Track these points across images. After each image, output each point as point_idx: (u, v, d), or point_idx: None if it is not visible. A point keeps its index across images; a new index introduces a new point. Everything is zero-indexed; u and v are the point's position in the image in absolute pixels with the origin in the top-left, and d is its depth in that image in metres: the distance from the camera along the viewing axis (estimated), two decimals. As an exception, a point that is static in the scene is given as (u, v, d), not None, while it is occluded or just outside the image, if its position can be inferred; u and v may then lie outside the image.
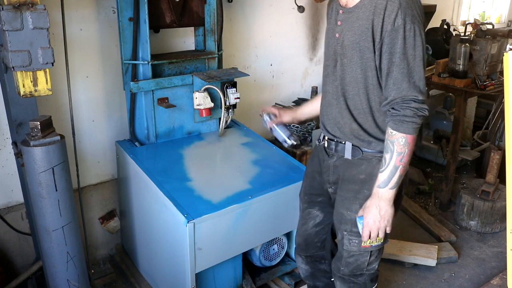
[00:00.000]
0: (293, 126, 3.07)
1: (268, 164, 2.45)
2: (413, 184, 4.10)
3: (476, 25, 3.87)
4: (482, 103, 4.96)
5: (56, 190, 1.84)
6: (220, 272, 2.30)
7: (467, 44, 3.38)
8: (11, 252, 2.52)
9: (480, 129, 4.22)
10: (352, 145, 1.74)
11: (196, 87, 2.51)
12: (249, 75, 2.71)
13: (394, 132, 1.55)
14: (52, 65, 1.70)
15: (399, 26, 1.48)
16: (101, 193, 2.76)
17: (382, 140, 1.65)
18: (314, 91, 3.52)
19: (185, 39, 2.81)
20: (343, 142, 1.76)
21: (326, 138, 1.84)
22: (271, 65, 3.34)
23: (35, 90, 1.71)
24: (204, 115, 2.52)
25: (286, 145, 2.17)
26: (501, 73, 3.50)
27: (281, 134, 2.14)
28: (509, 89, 1.87)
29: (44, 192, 1.83)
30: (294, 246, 2.60)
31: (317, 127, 3.12)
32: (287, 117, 2.15)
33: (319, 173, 1.93)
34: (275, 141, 3.25)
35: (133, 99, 2.43)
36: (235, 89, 2.60)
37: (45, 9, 1.63)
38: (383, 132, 1.65)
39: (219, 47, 2.68)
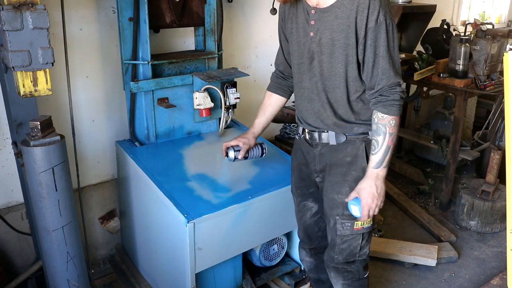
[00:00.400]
0: (293, 126, 3.08)
1: (268, 164, 2.45)
2: (413, 184, 4.10)
3: (476, 25, 3.86)
4: (482, 103, 4.96)
5: (56, 190, 1.84)
6: (220, 272, 2.30)
7: (467, 44, 3.38)
8: (11, 252, 2.52)
9: (480, 129, 4.22)
10: (335, 132, 1.85)
11: (196, 87, 2.51)
12: (249, 75, 2.70)
13: (385, 115, 1.70)
14: (52, 65, 1.70)
15: (381, 22, 1.63)
16: (101, 193, 2.76)
17: (362, 124, 1.82)
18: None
19: (185, 39, 2.81)
20: (326, 131, 1.86)
21: (307, 130, 1.93)
22: (271, 65, 3.34)
23: (35, 90, 1.71)
24: (204, 115, 2.52)
25: (264, 156, 2.23)
26: (501, 73, 3.50)
27: (257, 154, 2.18)
28: (509, 89, 1.87)
29: (44, 192, 1.83)
30: (294, 246, 2.61)
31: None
32: (252, 140, 2.13)
33: (305, 164, 2.01)
34: (275, 141, 3.26)
35: (133, 99, 2.43)
36: (235, 89, 2.60)
37: (45, 9, 1.63)
38: (361, 118, 1.81)
39: (219, 47, 2.68)
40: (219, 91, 2.52)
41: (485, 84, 3.41)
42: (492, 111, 3.91)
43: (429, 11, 3.93)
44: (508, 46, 3.62)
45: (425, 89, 3.86)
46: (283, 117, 3.14)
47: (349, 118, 1.82)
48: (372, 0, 1.61)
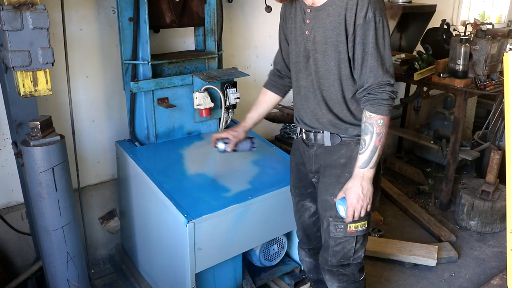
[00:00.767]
0: (293, 126, 3.07)
1: (268, 164, 2.45)
2: (413, 184, 4.10)
3: (476, 25, 3.86)
4: (482, 103, 4.96)
5: (56, 190, 1.84)
6: (220, 272, 2.30)
7: (467, 44, 3.38)
8: (11, 252, 2.52)
9: (480, 129, 4.21)
10: (330, 133, 1.84)
11: (196, 87, 2.51)
12: (249, 75, 2.70)
13: (373, 114, 1.66)
14: (52, 65, 1.70)
15: (370, 19, 1.61)
16: (101, 193, 2.76)
17: (357, 125, 1.78)
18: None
19: (185, 39, 2.81)
20: (321, 132, 1.86)
21: (304, 130, 1.93)
22: (271, 65, 3.32)
23: (35, 90, 1.71)
24: (204, 115, 2.52)
25: (254, 150, 2.22)
26: (501, 73, 3.50)
27: (246, 148, 2.17)
28: (509, 89, 1.87)
29: (44, 192, 1.83)
30: (294, 246, 2.61)
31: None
32: (242, 133, 2.13)
33: (303, 164, 2.01)
34: (275, 141, 3.25)
35: (133, 99, 2.43)
36: (235, 89, 2.60)
37: (45, 9, 1.63)
38: (357, 118, 1.79)
39: (219, 47, 2.68)
40: (219, 91, 2.52)
41: (485, 84, 3.41)
42: (492, 111, 3.91)
43: (429, 11, 3.94)
44: (508, 46, 3.62)
45: (425, 89, 3.86)
46: (283, 117, 3.13)
47: (345, 117, 1.80)
48: None
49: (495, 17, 5.85)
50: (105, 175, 2.74)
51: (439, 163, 4.14)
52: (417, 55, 3.87)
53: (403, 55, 3.99)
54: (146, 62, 2.35)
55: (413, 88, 4.27)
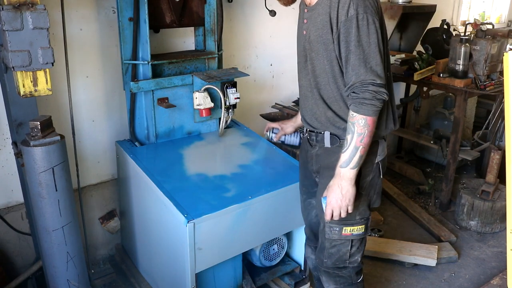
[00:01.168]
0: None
1: (268, 164, 2.45)
2: (413, 184, 4.11)
3: (476, 25, 3.87)
4: (482, 103, 4.97)
5: (56, 190, 1.85)
6: (220, 272, 2.30)
7: (467, 44, 3.38)
8: (11, 252, 2.52)
9: (480, 129, 4.22)
10: (330, 133, 1.83)
11: (196, 87, 2.51)
12: (249, 75, 2.70)
13: (355, 114, 1.63)
14: (52, 65, 1.71)
15: (352, 16, 1.58)
16: (101, 193, 2.76)
17: None
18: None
19: (185, 39, 2.81)
20: (322, 132, 1.85)
21: (308, 130, 1.94)
22: (271, 65, 3.35)
23: (35, 90, 1.71)
24: (204, 115, 2.52)
25: None
26: (501, 73, 3.50)
27: (293, 142, 2.30)
28: (509, 89, 1.87)
29: (44, 192, 1.83)
30: (294, 246, 2.62)
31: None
32: (289, 128, 2.26)
33: (307, 163, 2.02)
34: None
35: (133, 99, 2.43)
36: (235, 89, 2.60)
37: (45, 9, 1.63)
38: None
39: (219, 47, 2.68)
40: (219, 91, 2.52)
41: (485, 84, 3.41)
42: (492, 111, 3.91)
43: (429, 11, 3.94)
44: (508, 46, 3.62)
45: (425, 89, 3.86)
46: (283, 117, 3.13)
47: (344, 115, 1.77)
48: None
49: (495, 17, 5.85)
50: (105, 175, 2.74)
51: (439, 163, 4.14)
52: (417, 55, 3.88)
53: (403, 55, 4.00)
54: (146, 62, 2.35)
55: (413, 88, 4.27)
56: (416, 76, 3.59)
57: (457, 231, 3.41)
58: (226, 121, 2.63)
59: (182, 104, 2.53)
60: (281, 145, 2.42)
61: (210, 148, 2.55)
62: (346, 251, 1.88)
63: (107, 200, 2.80)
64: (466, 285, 2.86)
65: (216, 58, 2.62)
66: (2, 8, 1.57)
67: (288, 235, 2.56)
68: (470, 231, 3.42)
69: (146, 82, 2.35)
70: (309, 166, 1.99)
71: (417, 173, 4.18)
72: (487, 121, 3.97)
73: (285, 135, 2.28)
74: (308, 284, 2.59)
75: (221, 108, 2.57)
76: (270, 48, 3.28)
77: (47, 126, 1.84)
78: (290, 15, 3.31)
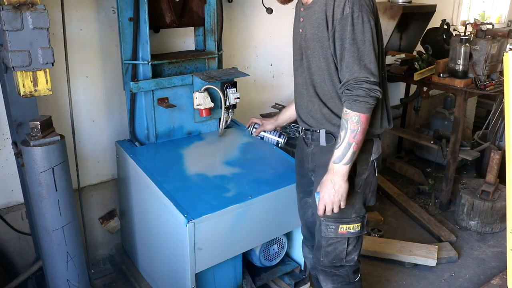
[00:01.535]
0: (293, 126, 3.07)
1: (268, 164, 2.45)
2: (413, 184, 4.11)
3: (476, 25, 3.87)
4: (482, 103, 4.97)
5: (56, 190, 1.84)
6: (220, 272, 2.30)
7: (467, 44, 3.38)
8: (11, 252, 2.52)
9: (480, 129, 4.22)
10: (326, 132, 1.83)
11: (196, 87, 2.51)
12: (249, 75, 2.70)
13: (348, 110, 1.64)
14: (52, 65, 1.70)
15: (347, 14, 1.60)
16: (101, 193, 2.76)
17: None
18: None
19: (185, 39, 2.81)
20: (318, 131, 1.86)
21: (303, 128, 1.95)
22: (271, 65, 3.35)
23: (35, 90, 1.71)
24: (204, 115, 2.52)
25: (280, 145, 2.36)
26: (501, 73, 3.50)
27: (271, 138, 2.34)
28: (509, 89, 1.87)
29: (44, 192, 1.83)
30: (294, 246, 2.61)
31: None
32: (269, 125, 2.30)
33: (303, 162, 2.03)
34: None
35: (133, 99, 2.43)
36: (235, 89, 2.60)
37: (45, 9, 1.63)
38: None
39: (219, 47, 2.68)
40: (219, 91, 2.52)
41: (485, 84, 3.41)
42: (492, 111, 3.92)
43: (429, 11, 3.94)
44: (508, 46, 3.62)
45: (425, 89, 3.86)
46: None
47: (339, 112, 1.76)
48: None
49: (495, 17, 5.85)
50: (105, 175, 2.74)
51: (439, 163, 4.14)
52: (417, 55, 3.88)
53: (403, 55, 4.00)
54: (146, 62, 2.35)
55: (413, 88, 4.27)
56: (416, 76, 3.59)
57: (457, 231, 3.41)
58: (226, 121, 2.63)
59: (182, 104, 2.53)
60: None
61: (210, 148, 2.55)
62: (343, 249, 1.89)
63: (107, 200, 2.80)
64: (466, 285, 2.86)
65: (216, 58, 2.62)
66: (2, 8, 1.57)
67: (288, 235, 2.56)
68: (470, 231, 3.43)
69: (146, 82, 2.35)
70: (305, 164, 1.99)
71: (417, 173, 4.18)
72: (487, 121, 3.97)
73: (264, 131, 2.31)
74: (308, 284, 2.59)
75: (221, 108, 2.57)
76: (270, 48, 3.28)
77: (47, 126, 1.84)
78: (290, 15, 3.31)
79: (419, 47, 4.16)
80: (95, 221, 2.77)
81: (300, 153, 2.05)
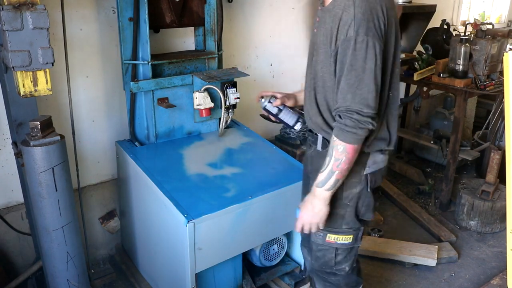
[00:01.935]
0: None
1: (268, 164, 2.45)
2: (413, 184, 4.10)
3: (476, 25, 3.87)
4: (482, 103, 4.96)
5: (56, 190, 1.84)
6: (220, 272, 2.30)
7: (467, 44, 3.38)
8: (11, 252, 2.52)
9: (480, 129, 4.22)
10: (323, 137, 1.77)
11: (196, 87, 2.51)
12: (249, 75, 2.70)
13: (335, 138, 1.58)
14: (52, 65, 1.70)
15: (350, 37, 1.48)
16: (101, 193, 2.76)
17: None
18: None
19: (185, 39, 2.81)
20: (316, 135, 1.81)
21: (308, 129, 1.90)
22: (271, 65, 3.35)
23: (35, 90, 1.71)
24: (204, 115, 2.52)
25: (293, 130, 2.13)
26: (501, 73, 3.50)
27: (291, 115, 2.00)
28: (509, 89, 1.87)
29: (44, 192, 1.83)
30: (294, 246, 2.61)
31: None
32: (291, 100, 2.04)
33: (306, 164, 2.00)
34: (275, 141, 3.25)
35: (133, 99, 2.43)
36: (235, 89, 2.60)
37: (45, 9, 1.63)
38: None
39: (219, 47, 2.68)
40: (219, 91, 2.52)
41: (485, 84, 3.41)
42: (492, 111, 3.91)
43: (429, 11, 3.93)
44: (508, 46, 3.62)
45: (425, 89, 3.85)
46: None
47: (332, 124, 1.68)
48: (352, 10, 1.48)
49: (495, 17, 5.85)
50: (105, 175, 2.74)
51: (439, 163, 4.14)
52: (417, 55, 3.87)
53: (403, 55, 3.99)
54: (146, 62, 2.35)
55: (413, 88, 4.27)
56: (416, 76, 3.59)
57: (457, 231, 3.41)
58: (226, 121, 2.63)
59: (182, 104, 2.53)
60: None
61: (210, 148, 2.55)
62: (331, 257, 1.85)
63: (107, 200, 2.80)
64: (466, 285, 2.86)
65: (216, 58, 2.63)
66: (2, 8, 1.57)
67: (288, 235, 2.56)
68: (470, 231, 3.42)
69: (146, 82, 2.35)
70: (307, 166, 1.98)
71: (417, 173, 4.18)
72: (487, 121, 3.97)
73: (284, 105, 2.00)
74: (308, 284, 2.59)
75: (221, 108, 2.57)
76: (270, 48, 3.28)
77: (47, 126, 1.84)
78: (290, 15, 3.32)
79: (419, 47, 4.16)
80: (95, 221, 2.77)
81: (306, 155, 2.01)
